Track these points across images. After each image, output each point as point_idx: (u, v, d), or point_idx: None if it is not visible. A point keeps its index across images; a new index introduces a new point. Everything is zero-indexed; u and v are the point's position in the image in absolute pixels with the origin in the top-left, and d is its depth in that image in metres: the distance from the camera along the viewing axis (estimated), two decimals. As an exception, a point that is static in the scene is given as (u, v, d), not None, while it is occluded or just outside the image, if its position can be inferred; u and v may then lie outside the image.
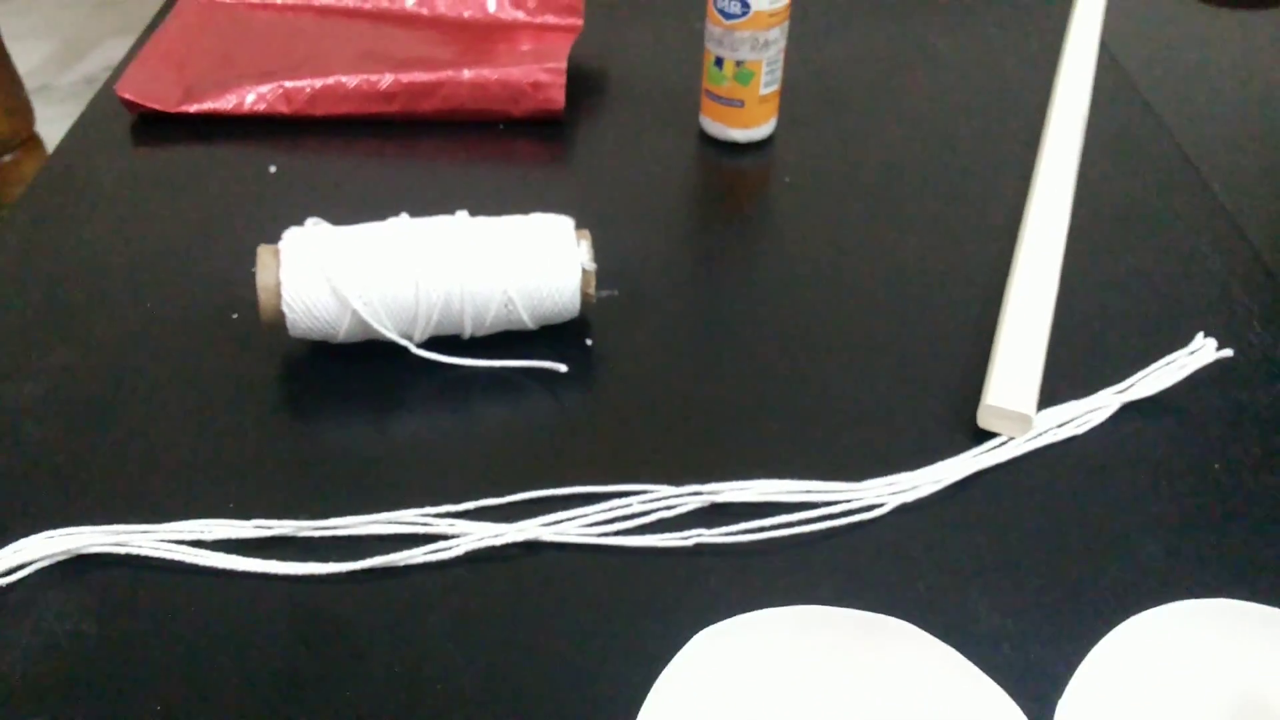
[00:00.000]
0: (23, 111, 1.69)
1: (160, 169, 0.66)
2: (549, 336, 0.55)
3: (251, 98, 0.69)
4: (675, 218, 0.63)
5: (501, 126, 0.70)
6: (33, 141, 1.73)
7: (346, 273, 0.50)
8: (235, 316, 0.56)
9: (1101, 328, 0.56)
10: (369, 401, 0.51)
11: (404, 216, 0.52)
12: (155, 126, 0.70)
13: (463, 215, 0.53)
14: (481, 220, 0.53)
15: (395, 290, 0.50)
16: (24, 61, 1.66)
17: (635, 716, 0.38)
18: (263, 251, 0.51)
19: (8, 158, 1.69)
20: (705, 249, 0.61)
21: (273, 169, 0.66)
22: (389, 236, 0.51)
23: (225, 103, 0.69)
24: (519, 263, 0.51)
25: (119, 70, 0.74)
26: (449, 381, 0.53)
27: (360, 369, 0.53)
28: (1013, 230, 0.63)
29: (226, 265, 0.59)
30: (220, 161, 0.67)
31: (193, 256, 0.60)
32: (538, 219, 0.53)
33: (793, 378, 0.53)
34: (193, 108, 0.69)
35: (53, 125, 1.91)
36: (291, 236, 0.51)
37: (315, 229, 0.51)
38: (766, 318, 0.57)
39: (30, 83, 1.69)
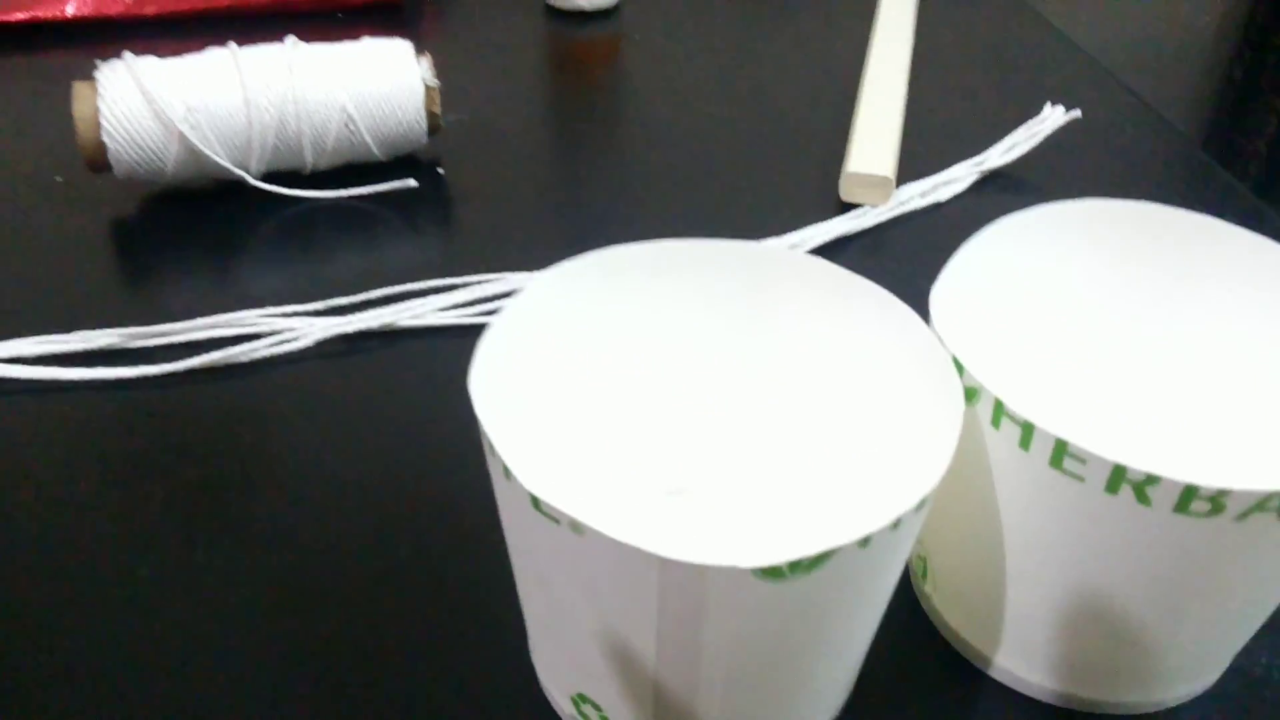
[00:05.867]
0: None
1: (-24, 75, 0.62)
2: (399, 170, 0.52)
3: (72, 7, 0.66)
4: (528, 77, 0.62)
5: (339, 15, 0.68)
6: None
7: (169, 93, 0.47)
8: (60, 179, 0.52)
9: (953, 118, 0.57)
10: (208, 246, 0.48)
11: (231, 45, 0.50)
12: (-30, 41, 0.66)
13: (292, 40, 0.50)
14: (314, 45, 0.50)
15: (224, 108, 0.47)
16: None
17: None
18: (78, 85, 0.47)
19: None
20: (560, 98, 0.60)
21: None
22: (214, 59, 0.48)
23: (46, 9, 0.66)
24: (357, 78, 0.49)
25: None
26: (294, 217, 0.50)
27: (196, 216, 0.50)
28: (862, 53, 0.63)
29: (52, 142, 0.55)
30: (43, 69, 0.63)
31: (15, 141, 0.56)
32: (372, 41, 0.51)
33: (659, 179, 0.52)
34: (13, 16, 0.65)
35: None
36: (108, 67, 0.48)
37: (132, 59, 0.48)
38: (626, 140, 0.55)
39: None
